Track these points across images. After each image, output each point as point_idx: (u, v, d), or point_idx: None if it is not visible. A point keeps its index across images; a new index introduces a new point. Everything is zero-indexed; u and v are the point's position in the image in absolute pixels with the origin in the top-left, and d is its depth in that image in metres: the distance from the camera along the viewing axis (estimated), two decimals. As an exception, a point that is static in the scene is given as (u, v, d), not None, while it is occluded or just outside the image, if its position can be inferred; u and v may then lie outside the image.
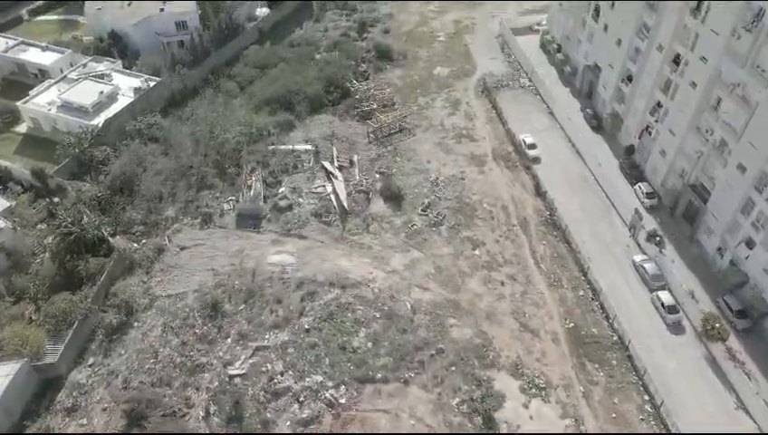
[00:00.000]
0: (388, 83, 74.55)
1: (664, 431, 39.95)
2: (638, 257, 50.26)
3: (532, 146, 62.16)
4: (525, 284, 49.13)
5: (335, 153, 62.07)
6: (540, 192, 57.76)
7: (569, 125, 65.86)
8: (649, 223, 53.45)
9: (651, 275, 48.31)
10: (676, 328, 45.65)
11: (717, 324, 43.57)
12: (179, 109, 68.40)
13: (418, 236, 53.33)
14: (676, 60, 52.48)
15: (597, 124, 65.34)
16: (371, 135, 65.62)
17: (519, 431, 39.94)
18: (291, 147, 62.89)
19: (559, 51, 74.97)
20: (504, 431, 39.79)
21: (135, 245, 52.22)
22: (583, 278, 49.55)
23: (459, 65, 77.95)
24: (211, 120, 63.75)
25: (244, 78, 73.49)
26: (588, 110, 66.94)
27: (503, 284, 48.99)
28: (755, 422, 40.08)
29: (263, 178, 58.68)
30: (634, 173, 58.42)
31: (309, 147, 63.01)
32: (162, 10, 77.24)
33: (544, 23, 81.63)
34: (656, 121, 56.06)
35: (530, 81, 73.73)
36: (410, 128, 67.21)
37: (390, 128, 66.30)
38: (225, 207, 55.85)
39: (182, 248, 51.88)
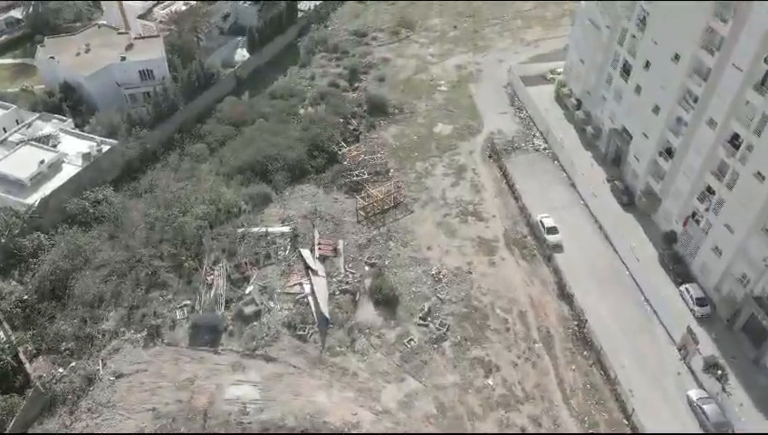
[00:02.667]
0: (382, 144, 64.66)
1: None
2: (695, 394, 39.69)
3: (553, 230, 51.94)
4: (553, 431, 38.66)
5: (317, 238, 51.90)
6: (564, 293, 47.52)
7: (594, 201, 55.74)
8: (703, 338, 42.98)
9: (714, 422, 37.71)
10: (753, 503, 35.31)
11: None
12: (137, 178, 58.28)
13: (416, 358, 42.82)
14: (735, 141, 42.70)
15: (628, 201, 55.23)
16: (361, 212, 55.50)
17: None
18: (264, 229, 52.78)
19: (578, 107, 65.22)
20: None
21: (61, 370, 41.64)
22: (626, 422, 39.09)
23: (463, 121, 68.17)
24: (170, 196, 53.82)
25: (215, 138, 63.50)
26: (616, 182, 56.88)
27: (524, 432, 38.52)
28: None
29: (227, 272, 48.51)
30: (678, 269, 48.13)
31: (286, 229, 52.91)
32: (124, 58, 67.72)
33: (560, 70, 72.14)
34: (706, 210, 45.97)
35: (545, 142, 63.92)
36: (407, 202, 57.26)
37: (383, 203, 56.30)
38: (178, 314, 45.42)
39: (119, 376, 41.17)
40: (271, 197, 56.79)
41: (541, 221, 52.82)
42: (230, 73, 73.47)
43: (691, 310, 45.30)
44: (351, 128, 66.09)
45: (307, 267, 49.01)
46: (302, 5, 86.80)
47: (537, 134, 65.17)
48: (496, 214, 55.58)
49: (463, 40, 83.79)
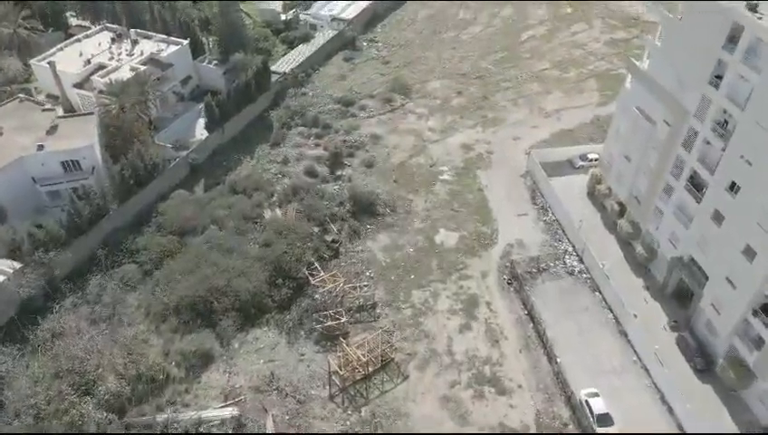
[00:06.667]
0: (368, 261, 50.11)
1: None
2: None
3: (605, 419, 36.71)
4: None
5: (270, 430, 36.82)
6: None
7: (656, 363, 40.50)
8: None
9: None
10: None
11: None
12: (38, 323, 43.40)
13: None
14: None
15: (704, 365, 40.26)
16: (335, 381, 40.48)
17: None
18: (198, 414, 37.68)
19: (622, 214, 50.68)
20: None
21: None
22: None
23: (472, 227, 53.49)
24: (71, 363, 38.66)
25: (150, 256, 48.37)
26: (685, 335, 41.97)
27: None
28: None
29: (135, 499, 33.51)
30: (796, 497, 33.36)
31: (227, 412, 37.75)
32: (41, 147, 53.23)
33: (592, 156, 57.53)
34: (844, 423, 31.25)
35: (581, 260, 49.31)
36: (399, 360, 42.21)
37: (368, 365, 41.29)
38: None
39: None
40: (213, 353, 41.73)
41: (587, 402, 37.68)
42: (183, 158, 59.00)
43: None
44: (330, 239, 51.48)
45: (252, 490, 34.06)
46: (276, 66, 73.11)
47: (569, 249, 50.44)
48: (523, 382, 40.41)
49: (469, 109, 69.64)
